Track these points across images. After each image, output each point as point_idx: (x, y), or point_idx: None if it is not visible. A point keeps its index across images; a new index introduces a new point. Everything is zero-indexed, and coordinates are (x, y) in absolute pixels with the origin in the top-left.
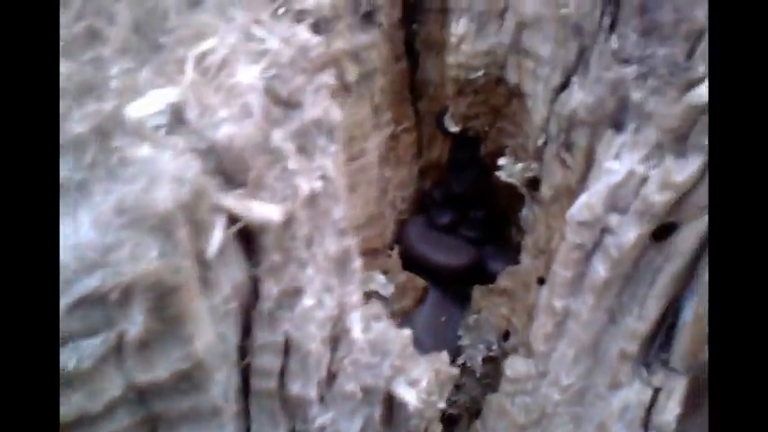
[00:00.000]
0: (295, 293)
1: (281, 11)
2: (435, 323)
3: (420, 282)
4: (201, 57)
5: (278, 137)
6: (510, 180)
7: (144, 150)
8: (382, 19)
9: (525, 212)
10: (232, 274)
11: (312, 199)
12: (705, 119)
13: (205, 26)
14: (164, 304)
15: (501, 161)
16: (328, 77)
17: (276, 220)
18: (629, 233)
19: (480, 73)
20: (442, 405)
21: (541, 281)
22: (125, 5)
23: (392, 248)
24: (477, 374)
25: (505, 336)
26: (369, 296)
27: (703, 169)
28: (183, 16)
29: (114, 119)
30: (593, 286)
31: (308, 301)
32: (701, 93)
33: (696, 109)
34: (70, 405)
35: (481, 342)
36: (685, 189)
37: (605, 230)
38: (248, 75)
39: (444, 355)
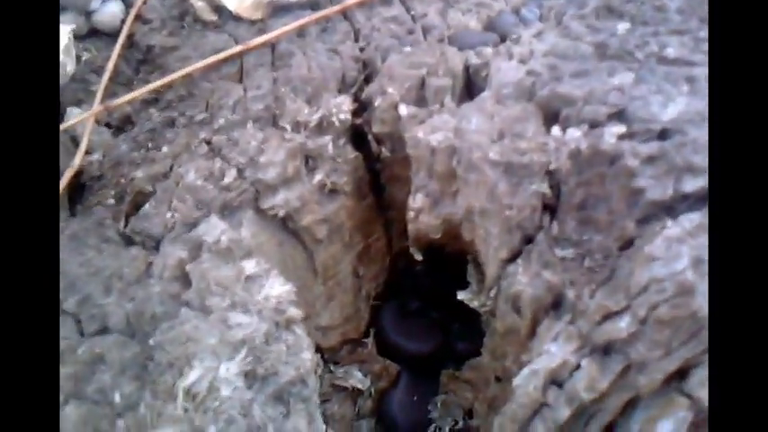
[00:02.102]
0: None
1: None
2: (408, 401)
3: (393, 367)
4: (188, 388)
5: (257, 410)
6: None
7: None
8: (346, 188)
9: (485, 318)
10: None
11: None
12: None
13: (188, 342)
14: None
15: (460, 295)
16: (300, 330)
17: None
18: (564, 411)
19: (438, 234)
20: None
21: (498, 379)
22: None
23: (368, 336)
24: None
25: (469, 413)
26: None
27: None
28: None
29: None
30: None
31: None
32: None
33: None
34: None
35: (449, 416)
36: (609, 392)
37: (544, 404)
38: (229, 387)
39: None
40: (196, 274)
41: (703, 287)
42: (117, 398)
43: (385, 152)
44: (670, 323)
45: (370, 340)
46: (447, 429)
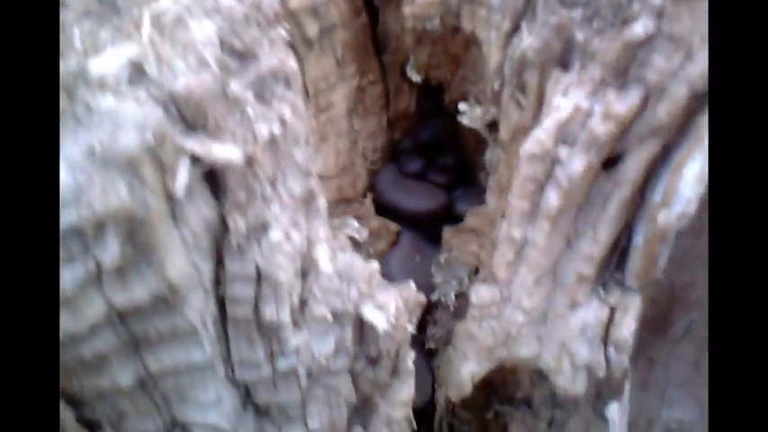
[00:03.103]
0: (262, 229)
1: None
2: (409, 263)
3: (393, 226)
4: (157, 16)
5: (236, 86)
6: (472, 125)
7: (108, 101)
8: None
9: (489, 155)
10: (201, 211)
11: (272, 142)
12: (643, 54)
13: None
14: (135, 234)
15: (461, 106)
16: (283, 31)
17: (236, 160)
18: (577, 164)
19: (436, 21)
20: (411, 329)
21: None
22: None
23: (365, 196)
24: (451, 309)
25: (476, 271)
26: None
27: (643, 101)
28: None
29: (79, 75)
30: (548, 215)
31: (275, 236)
32: (637, 30)
33: (632, 44)
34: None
35: (453, 278)
36: (626, 120)
37: (555, 162)
38: (203, 30)
39: (412, 284)
40: None
41: None
42: (77, 32)
43: None
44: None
45: (367, 199)
46: (452, 295)
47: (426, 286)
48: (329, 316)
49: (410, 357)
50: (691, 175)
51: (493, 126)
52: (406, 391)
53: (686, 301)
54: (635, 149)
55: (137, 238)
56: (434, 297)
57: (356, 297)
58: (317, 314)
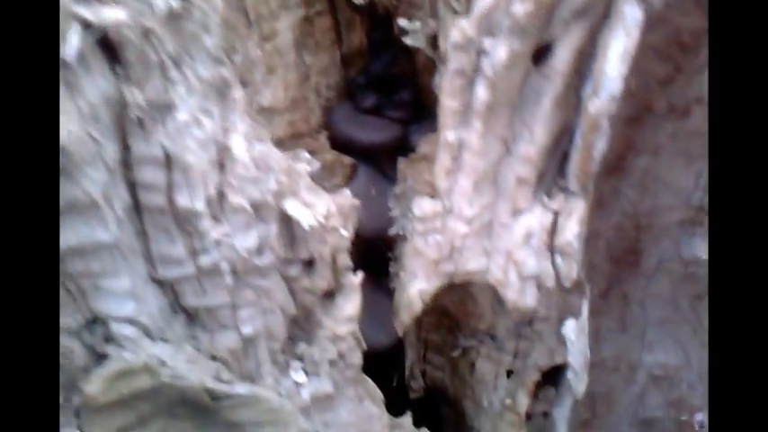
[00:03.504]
0: (166, 108)
1: None
2: (367, 197)
3: (347, 159)
4: None
5: None
6: (415, 43)
7: None
8: None
9: (437, 78)
10: (98, 83)
11: (174, 19)
12: None
13: None
14: None
15: (400, 22)
16: None
17: (122, 19)
18: (502, 52)
19: None
20: (346, 234)
21: None
22: None
23: (318, 132)
24: None
25: None
26: None
27: None
28: None
29: None
30: (479, 112)
31: (181, 117)
32: None
33: None
34: None
35: (410, 210)
36: (548, 1)
37: (482, 54)
38: None
39: (347, 191)
40: None
41: None
42: None
43: None
44: None
45: (321, 135)
46: (410, 227)
47: (384, 220)
48: (247, 206)
49: (354, 274)
50: (614, 56)
51: (435, 43)
52: (350, 307)
53: (653, 228)
54: (562, 37)
55: None
56: (392, 231)
57: (275, 187)
58: (234, 204)
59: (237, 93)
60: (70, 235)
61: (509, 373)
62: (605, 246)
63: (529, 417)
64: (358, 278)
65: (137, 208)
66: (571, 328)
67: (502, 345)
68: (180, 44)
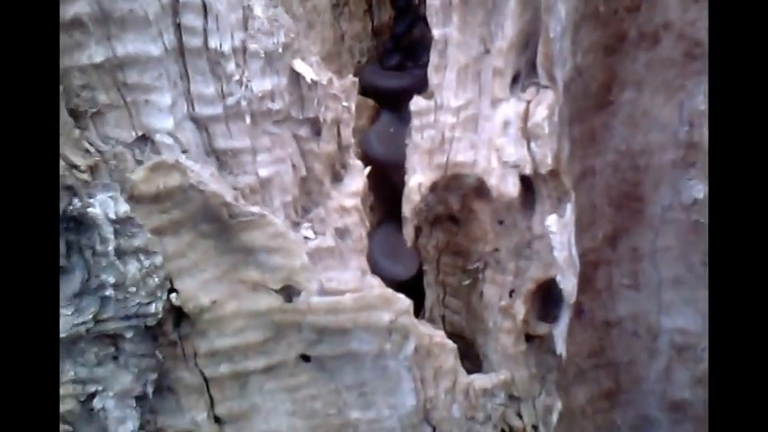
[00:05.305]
0: None
1: None
2: (386, 135)
3: (370, 101)
4: None
5: None
6: None
7: None
8: None
9: None
10: None
11: None
12: None
13: None
14: None
15: None
16: None
17: None
18: None
19: None
20: (348, 106)
21: None
22: None
23: None
24: None
25: None
26: None
27: None
28: None
29: None
30: (456, 6)
31: None
32: None
33: None
34: None
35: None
36: None
37: None
38: None
39: (350, 77)
40: None
41: None
42: None
43: None
44: None
45: None
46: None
47: (401, 153)
48: (262, 52)
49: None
50: None
51: None
52: (354, 184)
53: (649, 170)
54: None
55: None
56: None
57: (284, 40)
58: (252, 49)
59: None
60: (129, 46)
61: (511, 293)
62: (604, 186)
63: (529, 338)
64: (366, 169)
65: (181, 51)
66: (553, 221)
67: (504, 266)
68: None
